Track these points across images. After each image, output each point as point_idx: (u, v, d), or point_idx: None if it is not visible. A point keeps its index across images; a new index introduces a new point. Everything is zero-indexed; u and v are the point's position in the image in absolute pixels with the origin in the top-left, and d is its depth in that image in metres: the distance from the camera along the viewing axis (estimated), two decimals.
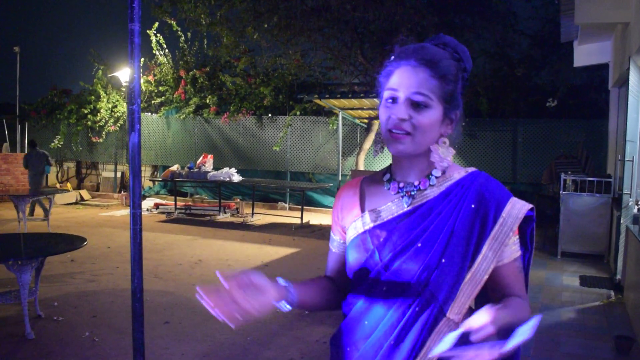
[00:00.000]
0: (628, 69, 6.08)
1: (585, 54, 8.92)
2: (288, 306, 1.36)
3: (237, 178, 11.48)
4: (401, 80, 1.34)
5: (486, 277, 1.33)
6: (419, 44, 1.41)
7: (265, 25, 10.34)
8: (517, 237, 1.39)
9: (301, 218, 10.66)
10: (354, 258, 1.44)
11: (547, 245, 8.61)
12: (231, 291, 1.22)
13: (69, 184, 15.53)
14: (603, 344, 4.56)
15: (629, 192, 6.31)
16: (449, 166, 1.43)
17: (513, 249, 1.37)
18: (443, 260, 1.31)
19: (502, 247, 1.34)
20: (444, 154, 1.39)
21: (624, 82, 7.51)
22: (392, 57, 1.40)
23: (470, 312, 1.36)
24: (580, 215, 7.83)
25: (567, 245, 7.94)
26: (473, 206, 1.35)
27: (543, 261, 7.70)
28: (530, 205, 1.38)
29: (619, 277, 6.36)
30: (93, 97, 14.59)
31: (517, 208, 1.36)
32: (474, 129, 11.22)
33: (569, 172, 8.25)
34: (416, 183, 1.42)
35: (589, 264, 7.56)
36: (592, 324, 5.09)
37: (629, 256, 5.83)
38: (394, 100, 1.35)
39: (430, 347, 1.31)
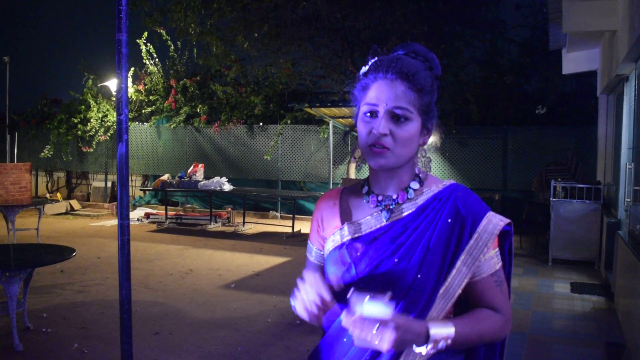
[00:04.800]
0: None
1: (573, 62, 8.99)
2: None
3: (228, 187, 11.45)
4: (380, 95, 1.33)
5: (459, 291, 1.33)
6: (393, 55, 1.40)
7: (256, 34, 10.35)
8: (497, 249, 1.38)
9: (292, 227, 10.63)
10: (332, 272, 1.43)
11: (538, 252, 8.64)
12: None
13: (59, 194, 15.43)
14: (594, 351, 4.57)
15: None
16: (427, 178, 1.44)
17: (492, 262, 1.36)
18: (419, 276, 1.31)
19: (476, 262, 1.34)
20: (425, 167, 1.42)
21: (612, 89, 7.57)
22: (366, 69, 1.39)
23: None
24: (571, 221, 7.86)
25: (557, 252, 7.97)
26: (449, 221, 1.35)
27: (534, 268, 7.72)
28: (507, 221, 1.37)
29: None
30: (83, 106, 14.51)
31: (493, 223, 1.36)
32: (464, 136, 11.27)
33: (559, 179, 8.28)
34: (395, 197, 1.41)
35: (579, 270, 7.58)
36: (583, 331, 5.10)
37: (618, 262, 5.85)
38: (373, 114, 1.34)
39: None
